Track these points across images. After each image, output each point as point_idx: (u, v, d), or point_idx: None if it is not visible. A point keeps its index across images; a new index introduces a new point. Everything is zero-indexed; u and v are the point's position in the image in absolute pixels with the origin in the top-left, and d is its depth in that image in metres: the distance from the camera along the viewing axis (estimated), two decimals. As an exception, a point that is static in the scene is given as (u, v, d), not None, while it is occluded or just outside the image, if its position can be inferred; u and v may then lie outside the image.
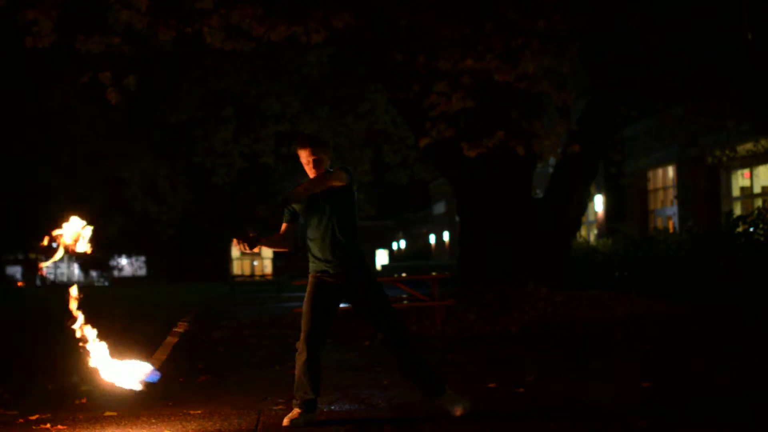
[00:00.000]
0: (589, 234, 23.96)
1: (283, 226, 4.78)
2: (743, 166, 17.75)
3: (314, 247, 4.66)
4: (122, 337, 5.56)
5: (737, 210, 16.50)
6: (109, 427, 4.65)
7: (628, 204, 21.89)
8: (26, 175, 24.16)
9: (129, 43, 9.21)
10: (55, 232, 4.52)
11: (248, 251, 4.56)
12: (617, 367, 6.41)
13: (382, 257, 59.40)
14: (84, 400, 5.46)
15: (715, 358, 6.52)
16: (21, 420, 4.87)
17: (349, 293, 4.69)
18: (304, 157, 4.64)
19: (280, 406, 5.12)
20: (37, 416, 4.92)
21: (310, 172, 4.65)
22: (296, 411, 4.57)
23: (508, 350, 7.84)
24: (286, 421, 4.52)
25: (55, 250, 4.45)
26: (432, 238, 47.95)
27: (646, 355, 6.93)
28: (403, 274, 20.36)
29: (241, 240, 4.51)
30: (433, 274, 11.12)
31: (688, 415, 4.47)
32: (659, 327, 9.01)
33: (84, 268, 54.22)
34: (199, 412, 4.99)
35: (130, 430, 4.58)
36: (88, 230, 4.60)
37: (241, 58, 14.06)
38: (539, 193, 15.02)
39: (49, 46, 8.74)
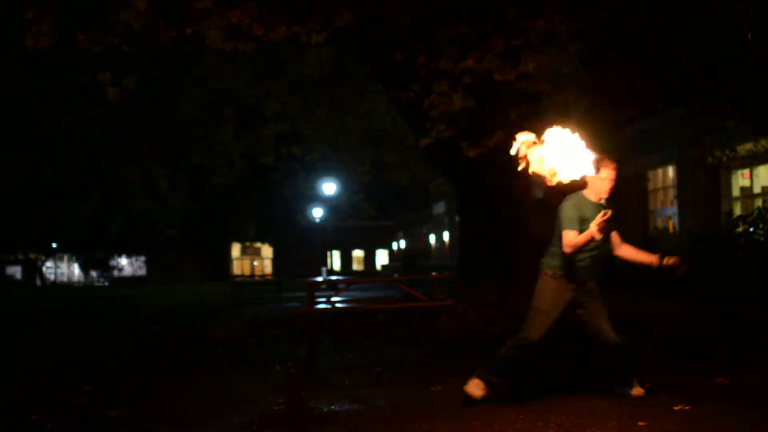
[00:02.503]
0: (589, 234, 23.91)
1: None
2: (743, 166, 17.75)
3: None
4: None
5: (737, 210, 16.49)
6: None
7: (628, 204, 21.88)
8: (26, 176, 24.14)
9: (129, 43, 9.21)
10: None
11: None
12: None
13: (382, 257, 59.43)
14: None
15: (715, 358, 6.53)
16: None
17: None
18: (611, 175, 4.89)
19: (279, 406, 5.11)
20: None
21: (604, 191, 4.88)
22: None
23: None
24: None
25: None
26: (432, 238, 47.95)
27: (646, 355, 6.93)
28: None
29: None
30: (433, 274, 11.11)
31: (688, 415, 4.48)
32: (659, 327, 9.01)
33: (84, 268, 54.23)
34: (199, 412, 4.99)
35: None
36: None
37: (241, 58, 14.06)
38: (539, 193, 15.02)
39: (48, 45, 8.73)
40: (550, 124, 4.68)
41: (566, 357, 6.66)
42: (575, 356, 6.57)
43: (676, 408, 4.61)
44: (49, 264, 52.49)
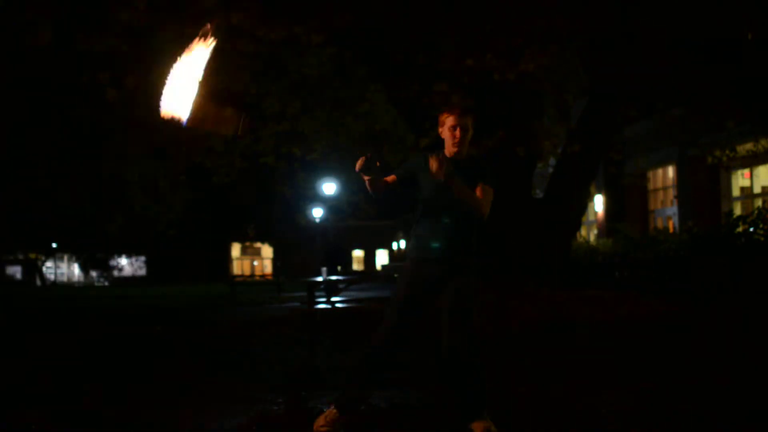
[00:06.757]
0: (589, 234, 23.95)
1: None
2: (743, 166, 17.77)
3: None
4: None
5: (737, 210, 16.50)
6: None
7: (628, 204, 21.89)
8: (26, 175, 24.12)
9: (129, 42, 9.21)
10: None
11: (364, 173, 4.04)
12: (617, 367, 6.41)
13: (382, 257, 59.43)
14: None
15: (716, 359, 6.52)
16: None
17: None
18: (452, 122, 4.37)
19: (279, 406, 5.11)
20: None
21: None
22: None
23: (508, 350, 7.83)
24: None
25: None
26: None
27: (646, 356, 6.93)
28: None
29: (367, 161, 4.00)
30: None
31: (688, 417, 4.47)
32: (659, 327, 9.01)
33: (84, 268, 54.22)
34: (198, 412, 4.98)
35: None
36: None
37: (241, 58, 14.05)
38: (539, 193, 15.01)
39: (47, 45, 8.73)
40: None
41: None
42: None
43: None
44: (49, 264, 52.49)
